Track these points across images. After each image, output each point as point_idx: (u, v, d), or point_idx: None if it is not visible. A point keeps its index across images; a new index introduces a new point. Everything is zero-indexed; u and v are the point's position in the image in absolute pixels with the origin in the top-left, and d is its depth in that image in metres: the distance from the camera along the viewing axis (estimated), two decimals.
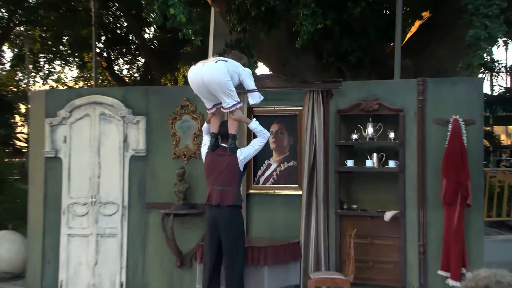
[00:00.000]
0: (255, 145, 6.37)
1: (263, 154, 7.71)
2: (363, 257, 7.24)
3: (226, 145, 6.26)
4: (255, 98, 6.58)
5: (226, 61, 6.18)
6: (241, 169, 6.23)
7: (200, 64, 6.12)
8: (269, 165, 7.80)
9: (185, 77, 22.84)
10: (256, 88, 6.51)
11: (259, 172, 7.81)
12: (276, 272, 6.73)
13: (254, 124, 6.40)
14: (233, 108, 6.15)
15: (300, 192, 7.49)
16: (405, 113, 7.23)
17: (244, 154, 6.27)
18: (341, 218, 7.40)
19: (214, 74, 6.01)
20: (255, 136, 6.51)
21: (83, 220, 8.30)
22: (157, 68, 20.44)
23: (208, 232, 6.20)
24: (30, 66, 20.90)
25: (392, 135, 7.27)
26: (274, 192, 7.73)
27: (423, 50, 12.27)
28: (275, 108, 7.72)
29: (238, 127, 6.47)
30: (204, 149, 6.40)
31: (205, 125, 6.57)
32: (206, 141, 6.47)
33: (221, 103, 6.20)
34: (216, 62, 6.09)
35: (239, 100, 6.20)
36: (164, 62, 20.06)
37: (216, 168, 6.21)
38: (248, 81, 6.42)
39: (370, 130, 7.33)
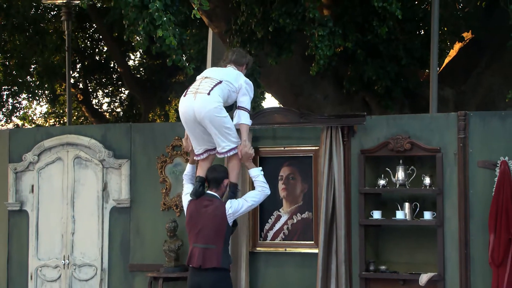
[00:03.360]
0: (250, 200, 6.27)
1: (272, 203, 7.79)
2: None
3: (213, 193, 6.22)
4: (241, 117, 6.36)
5: (219, 82, 6.25)
6: (230, 224, 6.18)
7: (190, 96, 6.23)
8: (278, 217, 7.88)
9: (178, 112, 23.03)
10: (248, 109, 6.45)
11: (267, 226, 7.89)
12: None
13: (257, 171, 6.37)
14: (230, 153, 6.19)
15: (316, 250, 7.56)
16: (443, 154, 7.32)
17: (234, 207, 6.16)
18: (367, 282, 7.43)
19: (206, 110, 6.10)
20: (252, 187, 6.48)
21: (54, 287, 8.36)
22: (144, 101, 20.62)
23: None
24: None
25: (427, 180, 7.35)
26: (285, 250, 7.79)
27: (466, 78, 12.38)
28: (286, 148, 7.85)
29: (239, 173, 6.45)
30: (185, 200, 6.36)
31: (188, 168, 6.52)
32: (187, 190, 6.42)
33: (215, 148, 6.26)
34: (208, 93, 6.16)
35: (239, 142, 6.26)
36: (152, 93, 20.26)
37: (198, 222, 6.16)
38: (242, 97, 6.39)
39: (401, 174, 7.42)
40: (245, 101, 6.39)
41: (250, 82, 6.49)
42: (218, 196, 6.25)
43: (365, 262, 7.43)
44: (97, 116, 21.88)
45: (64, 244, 8.37)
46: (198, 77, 6.47)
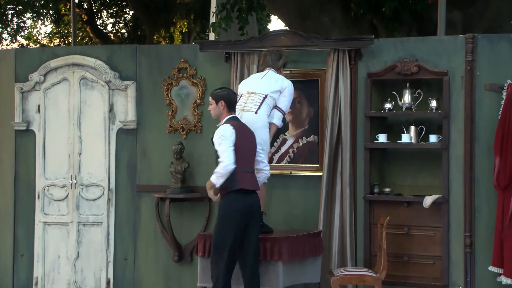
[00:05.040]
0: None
1: None
2: (398, 250, 7.35)
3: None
4: (275, 117, 6.88)
5: (265, 97, 6.73)
6: None
7: (237, 113, 6.62)
8: (284, 141, 7.89)
9: (182, 34, 22.85)
10: (285, 112, 6.95)
11: (272, 149, 7.87)
12: (293, 269, 6.82)
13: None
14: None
15: (321, 173, 7.59)
16: (451, 77, 7.27)
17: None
18: (371, 204, 7.49)
19: (253, 128, 6.57)
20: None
21: (61, 206, 8.43)
22: (149, 23, 20.44)
23: (237, 222, 6.39)
24: None
25: (434, 104, 7.32)
26: (290, 173, 7.83)
27: (474, 1, 12.22)
28: (292, 72, 7.77)
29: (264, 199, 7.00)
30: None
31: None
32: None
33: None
34: (256, 112, 6.68)
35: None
36: (157, 15, 20.07)
37: (244, 147, 6.45)
38: (282, 98, 6.86)
39: (407, 98, 7.38)
40: (284, 102, 6.87)
41: (291, 85, 6.91)
42: None
43: (369, 185, 7.47)
44: (101, 37, 21.75)
45: (71, 164, 8.40)
46: (243, 92, 6.88)
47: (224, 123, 6.43)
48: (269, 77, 6.90)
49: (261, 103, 6.74)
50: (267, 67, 6.99)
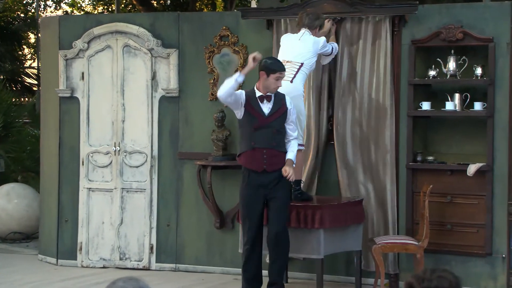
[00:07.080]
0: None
1: None
2: (440, 219, 7.24)
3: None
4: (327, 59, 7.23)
5: (301, 66, 6.74)
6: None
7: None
8: None
9: (224, 1, 22.71)
10: (332, 49, 7.12)
11: None
12: (334, 236, 6.80)
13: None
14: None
15: None
16: (496, 43, 7.09)
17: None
18: (414, 172, 7.37)
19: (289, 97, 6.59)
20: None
21: (105, 172, 8.46)
22: None
23: None
24: None
25: (479, 71, 7.15)
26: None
27: None
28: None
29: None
30: None
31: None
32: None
33: None
34: (291, 81, 6.70)
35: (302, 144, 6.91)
36: None
37: None
38: (326, 51, 7.07)
39: (452, 65, 7.22)
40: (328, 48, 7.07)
41: (324, 43, 6.96)
42: None
43: (412, 153, 7.35)
44: (144, 4, 21.65)
45: (114, 131, 8.40)
46: (280, 59, 6.81)
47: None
48: (304, 41, 6.88)
49: (297, 72, 6.73)
50: (303, 27, 6.97)
